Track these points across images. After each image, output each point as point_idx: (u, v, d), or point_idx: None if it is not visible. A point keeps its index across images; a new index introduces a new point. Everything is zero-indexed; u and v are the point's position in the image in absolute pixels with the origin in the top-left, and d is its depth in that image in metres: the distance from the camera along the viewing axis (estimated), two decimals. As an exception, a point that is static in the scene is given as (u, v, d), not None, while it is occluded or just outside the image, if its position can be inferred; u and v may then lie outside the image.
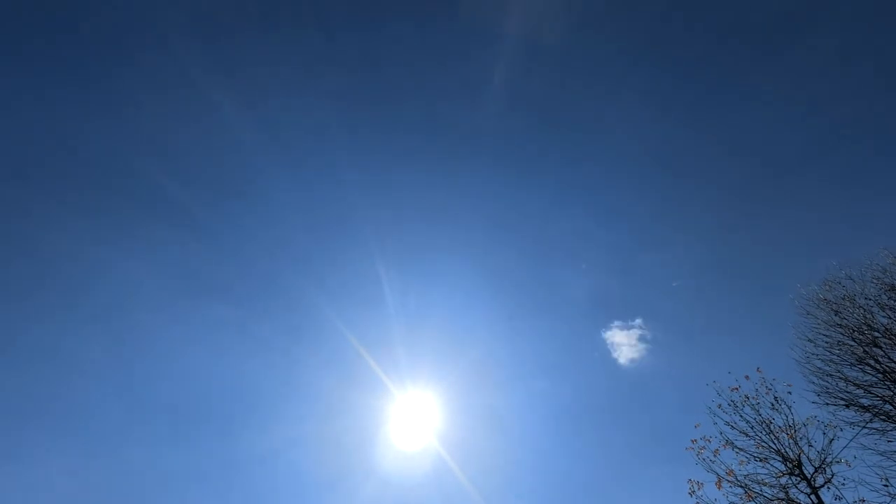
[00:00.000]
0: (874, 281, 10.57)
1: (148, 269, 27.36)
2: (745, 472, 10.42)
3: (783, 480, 10.11)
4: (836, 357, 10.54)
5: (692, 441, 10.91)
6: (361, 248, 28.51)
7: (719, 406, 11.06)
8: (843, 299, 10.78)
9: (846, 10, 21.62)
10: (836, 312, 10.77)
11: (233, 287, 28.99)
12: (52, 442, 23.47)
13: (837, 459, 9.82)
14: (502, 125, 28.20)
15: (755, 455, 10.45)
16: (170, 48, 24.92)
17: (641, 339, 26.95)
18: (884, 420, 9.77)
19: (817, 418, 10.24)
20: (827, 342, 10.74)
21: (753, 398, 10.85)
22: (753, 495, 10.17)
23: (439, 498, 21.97)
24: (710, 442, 10.85)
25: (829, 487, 9.72)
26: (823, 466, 9.85)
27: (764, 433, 10.50)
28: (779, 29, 23.35)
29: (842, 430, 10.01)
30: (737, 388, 11.09)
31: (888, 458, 9.56)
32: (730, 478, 10.42)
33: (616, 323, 27.29)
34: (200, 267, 28.76)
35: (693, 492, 10.48)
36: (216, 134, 27.33)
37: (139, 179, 27.10)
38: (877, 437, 9.84)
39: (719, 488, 10.40)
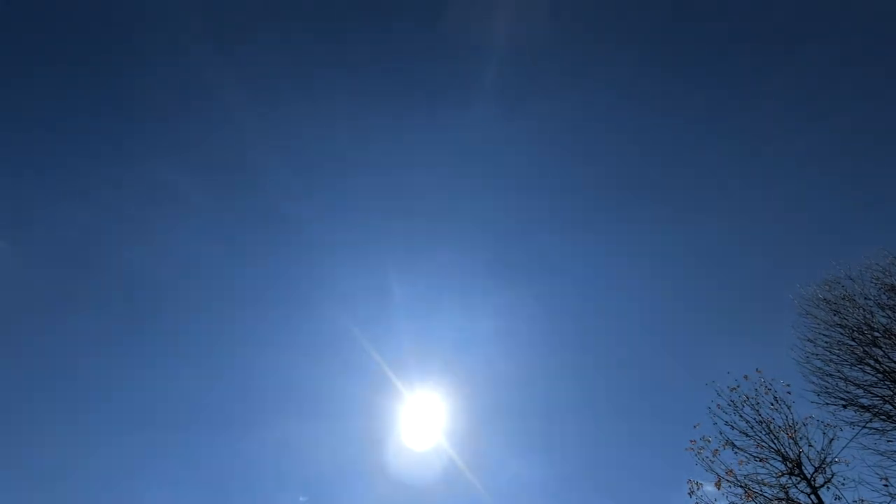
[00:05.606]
0: (874, 281, 10.54)
1: (163, 269, 28.20)
2: (745, 472, 10.47)
3: (783, 480, 10.16)
4: (835, 357, 10.54)
5: (691, 441, 11.02)
6: (373, 252, 28.97)
7: (719, 406, 11.14)
8: (843, 299, 10.77)
9: (846, 18, 21.40)
10: (836, 312, 10.76)
11: (247, 291, 29.71)
12: (57, 437, 24.50)
13: (837, 459, 9.85)
14: (506, 128, 28.35)
15: (755, 455, 10.50)
16: (181, 49, 25.55)
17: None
18: (884, 420, 9.76)
19: (817, 418, 10.28)
20: (827, 342, 10.75)
21: (753, 398, 10.92)
22: (753, 495, 10.23)
23: (449, 497, 22.30)
24: (709, 442, 10.93)
25: (828, 487, 9.74)
26: (823, 466, 9.87)
27: (764, 433, 10.54)
28: (779, 36, 23.17)
29: (841, 429, 10.03)
30: (736, 388, 11.14)
31: (888, 458, 9.57)
32: (729, 478, 10.49)
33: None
34: (216, 271, 29.55)
35: (692, 492, 10.60)
36: (230, 137, 27.98)
37: (154, 181, 27.94)
38: (877, 437, 9.85)
39: (719, 488, 10.49)
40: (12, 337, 25.89)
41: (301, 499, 23.39)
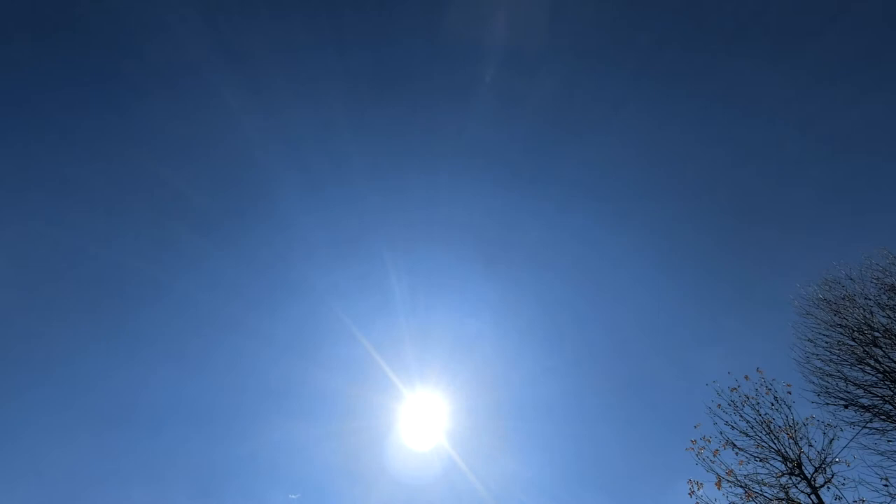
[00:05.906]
0: (874, 281, 10.54)
1: (157, 267, 28.14)
2: (745, 472, 10.49)
3: (783, 480, 10.17)
4: (836, 357, 10.54)
5: (692, 441, 11.02)
6: (372, 252, 28.95)
7: (719, 406, 11.16)
8: (843, 299, 10.77)
9: (845, 21, 21.39)
10: (836, 312, 10.76)
11: (248, 290, 29.71)
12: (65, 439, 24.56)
13: (837, 459, 9.86)
14: (508, 128, 28.33)
15: (755, 455, 10.51)
16: (181, 48, 25.39)
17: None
18: (884, 420, 9.76)
19: (817, 418, 10.29)
20: (827, 342, 10.75)
21: (753, 398, 10.93)
22: (753, 495, 10.25)
23: (449, 497, 22.33)
24: (710, 442, 10.93)
25: (829, 487, 9.76)
26: (823, 466, 9.89)
27: (764, 433, 10.56)
28: (779, 36, 23.17)
29: (842, 430, 10.04)
30: (737, 389, 11.16)
31: (888, 458, 9.57)
32: (730, 478, 10.50)
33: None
34: (217, 270, 29.54)
35: (693, 492, 10.60)
36: (229, 137, 27.89)
37: (155, 183, 27.90)
38: (877, 437, 9.86)
39: (719, 488, 10.50)
40: (9, 337, 25.92)
41: (292, 496, 23.47)
